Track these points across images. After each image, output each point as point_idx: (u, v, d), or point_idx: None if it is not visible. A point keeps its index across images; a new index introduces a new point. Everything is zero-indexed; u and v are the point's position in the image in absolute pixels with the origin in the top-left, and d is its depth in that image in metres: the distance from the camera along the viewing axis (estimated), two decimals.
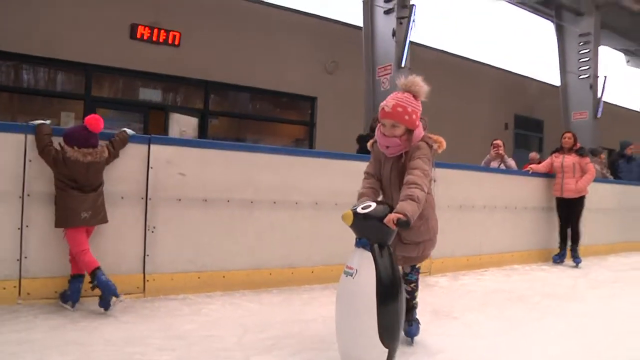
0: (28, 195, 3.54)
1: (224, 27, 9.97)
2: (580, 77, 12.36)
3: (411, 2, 8.34)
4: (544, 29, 16.72)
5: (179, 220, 4.10)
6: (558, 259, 7.18)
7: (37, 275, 3.57)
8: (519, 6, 13.89)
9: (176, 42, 9.54)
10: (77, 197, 3.47)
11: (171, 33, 9.50)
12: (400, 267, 2.93)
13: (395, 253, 2.73)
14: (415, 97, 2.83)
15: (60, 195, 3.48)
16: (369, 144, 3.10)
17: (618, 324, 3.96)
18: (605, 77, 12.45)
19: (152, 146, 3.98)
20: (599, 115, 12.39)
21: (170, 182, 4.05)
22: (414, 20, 8.35)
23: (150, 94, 9.82)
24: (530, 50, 16.15)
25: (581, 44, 12.28)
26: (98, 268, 3.44)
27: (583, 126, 12.14)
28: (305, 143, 11.68)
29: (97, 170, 3.56)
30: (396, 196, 2.76)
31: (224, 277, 4.29)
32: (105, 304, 3.45)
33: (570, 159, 7.18)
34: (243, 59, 10.14)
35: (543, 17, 14.42)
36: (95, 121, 3.54)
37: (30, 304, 3.47)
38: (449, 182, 5.64)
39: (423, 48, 11.42)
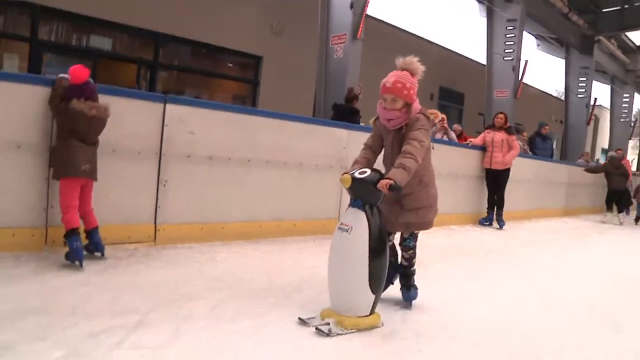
0: None
1: None
2: (505, 58, 13.44)
3: None
4: (473, 10, 17.85)
5: (187, 175, 4.42)
6: (485, 222, 8.20)
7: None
8: None
9: None
10: (78, 148, 3.50)
11: None
12: (399, 234, 3.29)
13: (398, 220, 3.12)
14: (412, 74, 3.08)
15: (60, 146, 3.52)
16: (371, 121, 3.36)
17: (551, 271, 5.06)
18: (527, 60, 13.68)
19: (167, 105, 4.24)
20: (518, 95, 13.61)
21: (181, 139, 4.34)
22: None
23: (100, 42, 9.60)
24: (457, 27, 17.22)
25: (508, 28, 13.32)
26: (76, 230, 3.49)
27: (504, 103, 13.27)
28: (248, 101, 11.92)
29: (99, 126, 3.60)
30: (392, 159, 3.07)
31: (222, 228, 4.69)
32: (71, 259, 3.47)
33: (500, 136, 8.14)
34: (192, 13, 10.12)
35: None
36: (75, 71, 3.55)
37: (54, 250, 3.68)
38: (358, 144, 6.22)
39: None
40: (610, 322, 3.45)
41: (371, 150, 3.27)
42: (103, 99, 3.68)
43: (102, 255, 3.68)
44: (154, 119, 4.20)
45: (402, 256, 3.36)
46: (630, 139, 22.98)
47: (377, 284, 2.85)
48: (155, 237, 4.26)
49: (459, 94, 18.00)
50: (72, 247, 3.44)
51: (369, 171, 2.89)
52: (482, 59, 18.01)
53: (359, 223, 2.78)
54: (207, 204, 4.60)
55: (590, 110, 18.11)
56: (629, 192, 13.59)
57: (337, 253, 2.83)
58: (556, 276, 4.87)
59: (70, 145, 3.47)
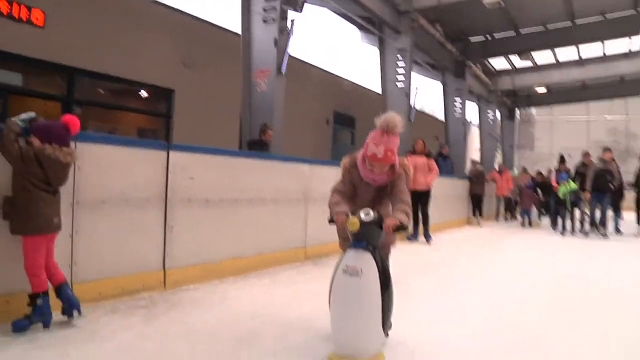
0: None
1: (89, 12, 9.63)
2: (398, 85, 14.64)
3: (290, 18, 9.33)
4: (356, 38, 19.18)
5: (188, 219, 4.58)
6: (412, 238, 9.01)
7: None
8: (346, 19, 15.86)
9: (40, 23, 8.97)
10: (47, 200, 3.19)
11: (34, 11, 8.89)
12: None
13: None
14: (396, 136, 3.08)
15: (25, 197, 3.12)
16: (345, 167, 3.26)
17: (499, 272, 5.82)
18: (417, 87, 15.02)
19: (170, 153, 4.40)
20: (412, 120, 14.88)
21: (182, 185, 4.51)
22: (292, 33, 9.34)
23: (10, 77, 9.06)
24: (343, 54, 18.51)
25: (399, 57, 14.55)
26: (46, 292, 3.22)
27: None
28: (161, 134, 11.82)
29: (68, 172, 3.34)
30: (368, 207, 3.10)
31: (218, 267, 4.89)
32: (19, 326, 3.14)
33: (421, 160, 9.03)
34: (104, 46, 9.91)
35: (368, 32, 16.74)
36: (75, 122, 3.33)
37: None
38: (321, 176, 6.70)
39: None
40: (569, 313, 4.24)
41: (345, 196, 3.20)
42: (103, 148, 3.84)
43: (79, 313, 3.38)
44: (159, 166, 4.33)
45: None
46: (496, 150, 25.68)
47: (388, 322, 3.02)
48: (164, 283, 4.36)
49: (351, 117, 19.09)
50: (42, 307, 3.17)
51: (372, 212, 2.94)
52: (370, 84, 19.48)
53: (369, 265, 2.82)
54: (204, 244, 4.77)
55: (467, 127, 20.13)
56: (510, 200, 15.52)
57: (349, 297, 2.81)
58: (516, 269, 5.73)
59: (40, 198, 3.15)
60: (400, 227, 2.92)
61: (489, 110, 24.65)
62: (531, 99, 27.61)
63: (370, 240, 2.91)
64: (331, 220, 3.06)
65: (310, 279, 5.25)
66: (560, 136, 30.86)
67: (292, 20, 9.42)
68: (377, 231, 2.93)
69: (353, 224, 2.85)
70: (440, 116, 21.67)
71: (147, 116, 12.11)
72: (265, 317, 3.73)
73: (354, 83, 19.04)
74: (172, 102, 11.74)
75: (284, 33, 9.37)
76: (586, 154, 11.98)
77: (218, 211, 4.89)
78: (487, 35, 18.84)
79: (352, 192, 3.24)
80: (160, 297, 4.15)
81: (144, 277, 4.20)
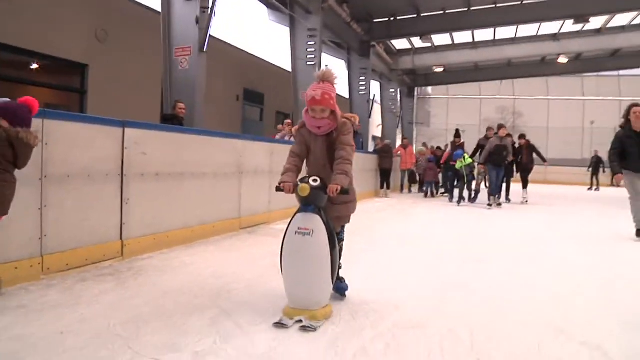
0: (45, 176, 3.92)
1: None
2: (308, 63, 15.16)
3: None
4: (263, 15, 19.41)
5: (141, 192, 4.87)
6: None
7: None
8: None
9: None
10: (13, 183, 3.27)
11: None
12: None
13: (330, 215, 3.33)
14: (332, 84, 3.40)
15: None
16: (294, 130, 3.80)
17: (414, 234, 6.56)
18: (327, 65, 15.61)
19: (126, 129, 4.64)
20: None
21: (136, 160, 4.78)
22: (215, 12, 9.53)
23: None
24: (252, 30, 18.70)
25: (309, 36, 15.06)
26: None
27: None
28: (75, 110, 11.54)
29: (31, 154, 3.35)
30: (328, 166, 3.40)
31: (167, 237, 5.22)
32: None
33: None
34: (14, 19, 9.55)
35: (276, 10, 17.08)
36: (35, 103, 3.36)
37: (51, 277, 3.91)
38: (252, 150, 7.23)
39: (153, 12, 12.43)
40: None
41: (299, 157, 3.49)
42: (68, 125, 4.05)
43: None
44: (116, 142, 4.57)
45: None
46: (397, 127, 27.08)
47: (334, 277, 3.30)
48: (122, 252, 4.65)
49: (259, 94, 19.42)
50: None
51: (318, 180, 3.22)
52: (278, 62, 19.87)
53: (318, 226, 3.13)
54: (156, 215, 5.08)
55: (371, 105, 21.15)
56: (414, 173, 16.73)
57: (301, 255, 3.12)
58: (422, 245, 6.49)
59: (7, 180, 3.20)
60: (343, 191, 3.17)
61: (390, 89, 25.93)
62: (429, 78, 29.31)
63: (318, 203, 3.19)
64: (278, 189, 3.33)
65: (251, 245, 5.78)
66: (455, 113, 33.06)
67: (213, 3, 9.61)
68: (323, 195, 3.20)
69: (304, 189, 3.13)
70: (344, 94, 22.58)
71: (59, 91, 11.73)
72: (227, 277, 4.17)
73: (263, 60, 19.33)
74: (86, 77, 11.48)
75: (206, 12, 9.55)
76: (489, 128, 12.72)
77: (166, 184, 5.21)
78: (391, 17, 19.81)
79: (305, 151, 3.50)
80: (121, 265, 4.45)
81: (105, 247, 4.46)
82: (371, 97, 21.22)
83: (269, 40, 20.34)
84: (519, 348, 2.83)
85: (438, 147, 16.77)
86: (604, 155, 13.87)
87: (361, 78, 20.48)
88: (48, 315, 3.10)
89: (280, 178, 3.37)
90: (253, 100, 19.16)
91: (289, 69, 18.61)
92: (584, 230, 8.07)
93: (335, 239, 3.26)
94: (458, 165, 12.25)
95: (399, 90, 27.00)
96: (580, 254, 5.94)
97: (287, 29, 18.45)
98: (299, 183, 3.21)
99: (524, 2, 17.78)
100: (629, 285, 4.41)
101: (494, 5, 18.20)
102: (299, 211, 3.22)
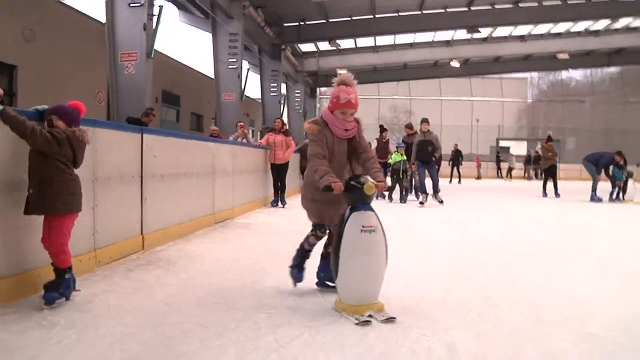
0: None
1: None
2: (229, 67, 15.74)
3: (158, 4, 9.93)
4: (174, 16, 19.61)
5: (154, 191, 5.42)
6: (274, 204, 10.46)
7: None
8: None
9: None
10: (78, 180, 3.43)
11: None
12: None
13: (339, 213, 3.40)
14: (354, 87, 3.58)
15: (64, 178, 3.31)
16: (316, 131, 3.50)
17: None
18: (248, 69, 16.29)
19: (144, 135, 5.19)
20: (243, 99, 16.17)
21: (150, 162, 5.33)
22: (160, 19, 9.95)
23: None
24: (173, 33, 18.84)
25: (231, 40, 15.63)
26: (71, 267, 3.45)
27: (231, 105, 15.68)
28: None
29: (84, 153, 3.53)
30: (348, 168, 3.66)
31: (170, 231, 5.79)
32: (52, 298, 3.30)
33: (280, 137, 10.48)
34: None
35: (187, 12, 17.44)
36: (82, 106, 3.55)
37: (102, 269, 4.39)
38: (220, 152, 7.96)
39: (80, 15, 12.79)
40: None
41: (326, 159, 3.48)
42: (106, 132, 4.39)
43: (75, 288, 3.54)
44: (137, 147, 5.10)
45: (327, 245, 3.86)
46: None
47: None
48: (143, 246, 5.19)
49: (176, 96, 19.61)
50: (69, 280, 3.41)
51: (368, 177, 3.37)
52: (192, 63, 20.18)
53: (379, 223, 3.24)
54: (163, 212, 5.65)
55: (282, 106, 22.04)
56: None
57: (370, 252, 3.19)
58: None
59: (73, 178, 3.39)
60: (387, 189, 3.83)
61: (296, 90, 26.98)
62: (330, 79, 30.56)
63: (370, 201, 3.32)
64: (328, 188, 3.28)
65: (237, 236, 6.52)
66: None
67: (160, 7, 10.02)
68: (374, 193, 3.32)
69: (370, 187, 3.23)
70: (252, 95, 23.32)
71: None
72: (243, 261, 4.90)
73: (179, 62, 19.53)
74: (15, 78, 11.27)
75: (152, 18, 9.93)
76: (408, 126, 13.01)
77: (168, 184, 5.77)
78: (301, 22, 20.84)
79: (327, 152, 3.51)
80: (147, 256, 5.00)
81: (132, 242, 4.99)
82: (282, 99, 22.11)
83: (183, 43, 20.54)
84: None
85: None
86: (464, 149, 15.59)
87: (272, 80, 21.33)
88: (139, 295, 3.69)
89: (324, 179, 3.32)
90: (170, 102, 19.31)
91: (204, 71, 19.14)
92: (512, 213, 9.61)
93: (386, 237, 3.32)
94: (394, 158, 11.93)
95: (303, 91, 28.16)
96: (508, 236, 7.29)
97: (201, 32, 18.96)
98: (360, 182, 3.26)
99: (423, 12, 19.57)
100: None
101: (396, 14, 19.86)
102: (354, 209, 3.24)
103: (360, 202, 3.27)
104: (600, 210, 11.10)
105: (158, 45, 18.34)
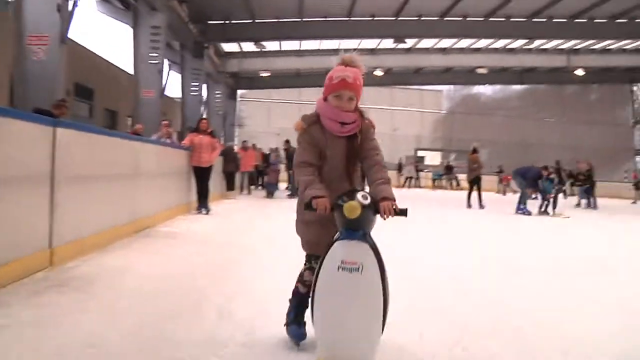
0: None
1: None
2: (150, 62, 14.67)
3: None
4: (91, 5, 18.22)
5: (66, 195, 4.58)
6: (199, 210, 9.67)
7: None
8: None
9: None
10: None
11: None
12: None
13: (330, 238, 2.52)
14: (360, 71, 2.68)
15: None
16: (301, 127, 2.69)
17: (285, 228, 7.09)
18: (170, 66, 15.30)
19: (57, 129, 4.36)
20: (164, 94, 15.16)
21: (63, 161, 4.50)
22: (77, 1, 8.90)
23: None
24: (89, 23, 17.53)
25: (152, 34, 14.59)
26: None
27: (150, 103, 14.65)
28: None
29: None
30: (347, 181, 2.68)
31: (86, 242, 4.96)
32: None
33: (206, 139, 9.74)
34: None
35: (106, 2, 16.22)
36: None
37: None
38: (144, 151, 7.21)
39: None
40: None
41: (315, 167, 2.64)
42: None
43: None
44: (48, 142, 4.28)
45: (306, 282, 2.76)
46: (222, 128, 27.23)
47: (385, 323, 2.47)
48: (51, 262, 4.34)
49: (90, 90, 18.16)
50: None
51: (368, 195, 2.47)
52: (109, 56, 18.78)
53: (369, 258, 2.38)
54: (80, 219, 4.82)
55: (203, 106, 21.10)
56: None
57: (347, 298, 2.35)
58: None
59: None
60: (400, 211, 2.45)
61: (217, 90, 26.03)
62: (252, 82, 30.00)
63: (367, 227, 2.48)
64: (308, 206, 2.49)
65: (166, 246, 5.81)
66: (276, 116, 34.29)
67: None
68: (373, 217, 2.48)
69: (353, 208, 2.36)
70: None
71: None
72: (174, 282, 4.22)
73: (94, 54, 18.09)
74: None
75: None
76: None
77: (85, 187, 4.94)
78: (226, 20, 20.02)
79: (319, 157, 2.65)
80: (60, 274, 4.17)
81: (38, 257, 4.16)
82: (203, 99, 21.19)
83: (100, 34, 19.08)
84: None
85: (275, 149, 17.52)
86: (384, 158, 15.92)
87: (193, 79, 20.31)
88: (49, 331, 2.94)
89: (306, 193, 2.53)
90: (83, 96, 17.82)
91: (122, 66, 17.90)
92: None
93: (386, 270, 2.46)
94: None
95: (224, 92, 27.25)
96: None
97: (120, 24, 17.74)
98: (342, 200, 2.42)
99: (351, 19, 19.43)
100: None
101: (324, 19, 19.58)
102: (339, 238, 2.45)
103: (345, 227, 2.44)
104: (531, 222, 11.27)
105: (72, 34, 17.04)
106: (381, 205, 2.44)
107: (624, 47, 24.66)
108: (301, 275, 2.81)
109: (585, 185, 16.65)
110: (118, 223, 5.89)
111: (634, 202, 22.16)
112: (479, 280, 4.84)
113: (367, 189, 2.65)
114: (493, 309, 3.76)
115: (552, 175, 12.89)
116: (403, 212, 2.44)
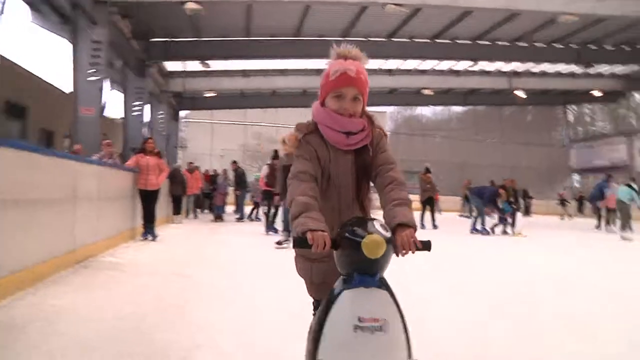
0: None
1: None
2: (89, 79, 13.82)
3: None
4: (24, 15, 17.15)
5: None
6: (145, 236, 8.93)
7: None
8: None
9: None
10: None
11: None
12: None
13: (334, 277, 1.91)
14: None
15: None
16: (294, 140, 2.08)
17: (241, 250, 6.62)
18: (112, 84, 14.50)
19: None
20: (104, 114, 14.30)
21: None
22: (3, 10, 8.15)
23: None
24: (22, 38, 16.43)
25: (94, 49, 13.76)
26: None
27: (89, 121, 13.80)
28: None
29: None
30: (356, 204, 2.10)
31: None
32: None
33: (153, 160, 9.08)
34: None
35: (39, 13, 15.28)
36: None
37: None
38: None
39: None
40: None
41: (315, 182, 2.00)
42: None
43: None
44: None
45: None
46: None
47: None
48: None
49: (23, 108, 17.02)
50: None
51: (382, 222, 1.87)
52: (46, 74, 17.72)
53: (392, 311, 1.79)
54: (7, 253, 4.13)
55: (148, 127, 20.23)
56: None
57: None
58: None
59: None
60: (424, 245, 1.83)
61: (160, 110, 25.12)
62: (196, 102, 29.19)
63: (385, 269, 1.83)
64: (301, 242, 1.79)
65: (110, 280, 5.17)
66: (219, 138, 33.57)
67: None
68: (391, 253, 1.82)
69: (377, 245, 1.71)
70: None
71: None
72: (124, 326, 3.64)
73: (27, 71, 16.99)
74: None
75: None
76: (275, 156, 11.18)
77: (13, 212, 4.26)
78: (171, 38, 19.34)
79: (318, 169, 2.04)
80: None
81: None
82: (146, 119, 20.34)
83: (34, 49, 17.90)
84: None
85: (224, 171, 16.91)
86: None
87: (136, 98, 19.43)
88: None
89: (298, 221, 1.84)
90: (14, 114, 16.66)
91: (58, 83, 16.94)
92: None
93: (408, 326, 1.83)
94: None
95: (167, 112, 26.35)
96: None
97: (58, 37, 16.80)
98: (354, 232, 1.76)
99: (299, 38, 19.24)
100: None
101: (272, 38, 19.26)
102: (350, 285, 1.79)
103: (358, 270, 1.77)
104: (487, 242, 11.18)
105: (4, 49, 15.91)
106: (399, 236, 1.79)
107: (560, 71, 25.58)
108: (310, 328, 2.01)
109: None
110: (56, 253, 5.20)
111: (562, 219, 24.05)
112: (448, 306, 4.48)
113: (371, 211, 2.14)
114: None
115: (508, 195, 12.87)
116: (426, 247, 1.83)
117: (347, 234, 1.79)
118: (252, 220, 15.22)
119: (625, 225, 13.20)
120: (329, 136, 2.05)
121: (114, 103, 20.72)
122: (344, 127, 2.02)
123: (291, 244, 1.97)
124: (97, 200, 6.74)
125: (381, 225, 1.82)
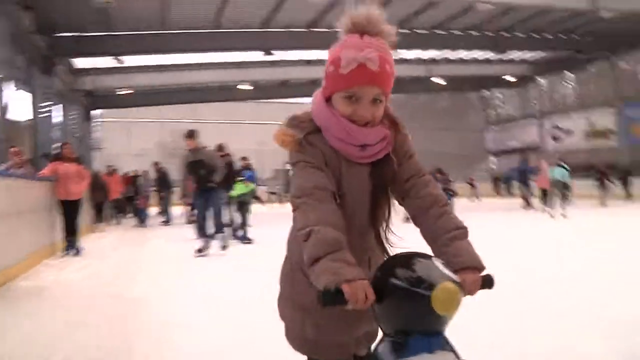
0: None
1: None
2: None
3: None
4: None
5: None
6: (68, 251, 8.14)
7: None
8: None
9: None
10: None
11: None
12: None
13: (360, 332, 1.57)
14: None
15: None
16: (291, 142, 1.50)
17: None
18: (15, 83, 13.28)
19: None
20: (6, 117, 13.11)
21: None
22: None
23: None
24: None
25: None
26: None
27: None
28: None
29: None
30: (368, 239, 1.58)
31: None
32: None
33: (72, 167, 8.29)
34: None
35: None
36: None
37: None
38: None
39: None
40: None
41: (333, 197, 1.44)
42: None
43: None
44: None
45: None
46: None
47: None
48: None
49: None
50: None
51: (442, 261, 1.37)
52: None
53: None
54: None
55: (60, 130, 18.85)
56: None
57: None
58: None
59: None
60: (485, 282, 1.40)
61: (72, 111, 23.54)
62: (109, 100, 27.66)
63: (445, 325, 1.32)
64: (334, 297, 1.25)
65: (30, 312, 4.52)
66: (136, 137, 32.09)
67: None
68: None
69: (452, 297, 1.24)
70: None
71: None
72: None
73: None
74: None
75: None
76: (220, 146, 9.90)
77: None
78: (79, 32, 18.03)
79: (333, 183, 1.47)
80: None
81: None
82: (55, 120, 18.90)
83: None
84: None
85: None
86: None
87: (44, 98, 17.94)
88: None
89: (322, 267, 1.28)
90: None
91: None
92: None
93: None
94: (237, 191, 9.42)
95: (79, 113, 24.75)
96: None
97: None
98: (410, 280, 1.27)
99: (219, 31, 18.56)
100: None
101: (189, 31, 18.46)
102: (407, 351, 1.27)
103: (419, 328, 1.28)
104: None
105: None
106: (465, 282, 1.32)
107: (477, 57, 26.38)
108: None
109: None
110: None
111: (471, 201, 25.12)
112: None
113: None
114: None
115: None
116: (488, 284, 1.40)
117: (400, 282, 1.27)
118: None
119: (566, 200, 13.76)
120: (336, 147, 1.48)
121: (19, 104, 19.11)
122: (358, 140, 1.46)
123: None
124: (6, 215, 5.99)
125: (442, 263, 1.32)
